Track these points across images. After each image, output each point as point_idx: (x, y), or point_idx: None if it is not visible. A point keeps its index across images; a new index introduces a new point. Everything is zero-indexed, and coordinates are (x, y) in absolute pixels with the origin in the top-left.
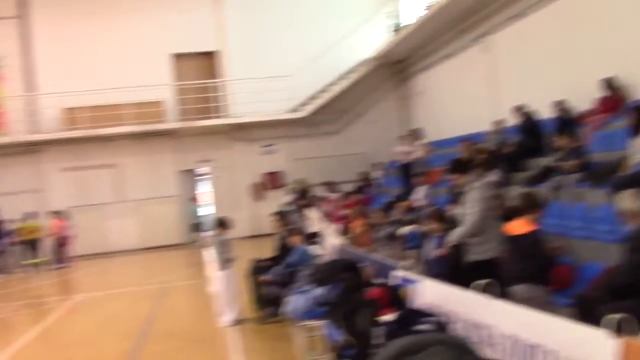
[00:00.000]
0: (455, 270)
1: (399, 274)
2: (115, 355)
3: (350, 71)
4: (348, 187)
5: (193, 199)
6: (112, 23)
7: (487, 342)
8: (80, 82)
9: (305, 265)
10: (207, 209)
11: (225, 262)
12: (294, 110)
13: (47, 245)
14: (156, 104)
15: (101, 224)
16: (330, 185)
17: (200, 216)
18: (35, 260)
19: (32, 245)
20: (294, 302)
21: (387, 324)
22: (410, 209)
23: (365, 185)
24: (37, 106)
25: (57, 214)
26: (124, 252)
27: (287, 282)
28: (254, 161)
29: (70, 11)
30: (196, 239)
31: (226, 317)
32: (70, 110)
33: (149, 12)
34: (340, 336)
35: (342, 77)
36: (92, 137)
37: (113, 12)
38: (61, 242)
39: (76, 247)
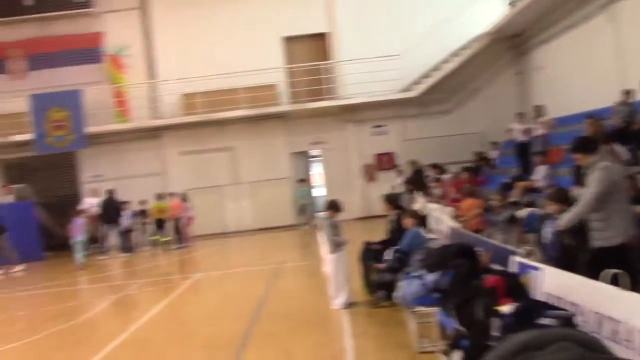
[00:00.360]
0: (574, 257)
1: (518, 261)
2: (232, 334)
3: (464, 48)
4: (459, 169)
5: (301, 181)
6: (226, 9)
7: (616, 338)
8: (198, 69)
9: (417, 249)
10: (318, 191)
11: (336, 245)
12: (405, 89)
13: (170, 226)
14: (269, 87)
15: (218, 205)
16: (438, 168)
17: (307, 198)
18: (160, 239)
19: (159, 225)
20: (406, 287)
21: (505, 315)
22: (530, 190)
23: (480, 165)
24: (158, 93)
25: (176, 195)
26: (240, 232)
27: (399, 266)
28: (365, 142)
29: (186, 2)
30: (304, 221)
31: (338, 300)
32: (188, 95)
33: None
34: (453, 325)
35: (454, 54)
36: (208, 121)
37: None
38: (181, 223)
39: (195, 228)
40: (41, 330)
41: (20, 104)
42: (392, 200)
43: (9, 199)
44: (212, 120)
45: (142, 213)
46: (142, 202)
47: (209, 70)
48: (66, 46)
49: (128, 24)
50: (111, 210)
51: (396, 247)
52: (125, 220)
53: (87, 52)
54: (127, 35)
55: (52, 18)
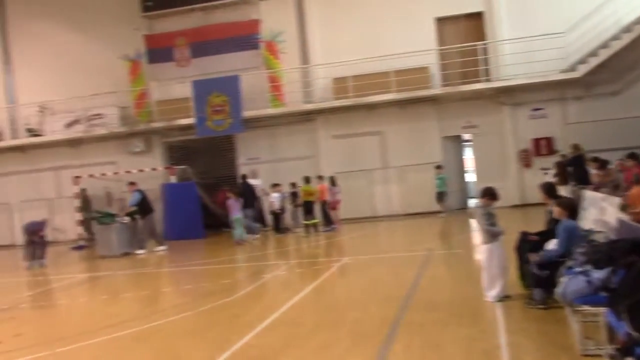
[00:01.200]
0: None
1: None
2: (379, 320)
3: (635, 23)
4: (624, 155)
5: (438, 167)
6: None
7: None
8: (349, 52)
9: (578, 242)
10: (469, 177)
11: (492, 235)
12: (568, 70)
13: (317, 209)
14: (420, 70)
15: (367, 189)
16: (599, 162)
17: (444, 186)
18: (309, 222)
19: (307, 207)
20: (568, 283)
21: None
22: None
23: None
24: (310, 77)
25: (324, 178)
26: (388, 217)
27: (559, 260)
28: (522, 126)
29: None
30: (442, 209)
31: (490, 293)
32: (340, 79)
33: None
34: (625, 329)
35: (626, 30)
36: (359, 105)
37: None
38: (328, 206)
39: (343, 211)
40: (197, 306)
41: (183, 90)
42: (550, 189)
43: (173, 179)
44: (363, 104)
45: (293, 195)
46: (293, 185)
47: (360, 54)
48: (226, 34)
49: (283, 11)
50: (247, 194)
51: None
52: (277, 202)
53: (245, 39)
54: (282, 22)
55: (213, 7)
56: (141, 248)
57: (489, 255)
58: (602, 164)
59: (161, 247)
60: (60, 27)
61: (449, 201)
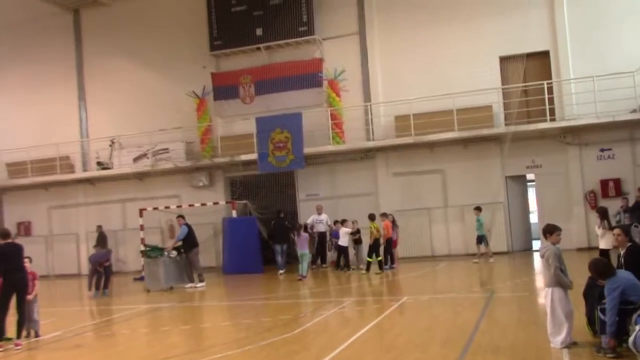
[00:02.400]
0: None
1: None
2: None
3: None
4: None
5: (477, 209)
6: (442, 31)
7: None
8: (411, 91)
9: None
10: (532, 217)
11: (559, 283)
12: (637, 110)
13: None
14: (484, 108)
15: (426, 227)
16: None
17: (482, 229)
18: (373, 259)
19: (374, 245)
20: None
21: None
22: None
23: None
24: (372, 115)
25: (384, 216)
26: (447, 256)
27: (629, 308)
28: (589, 167)
29: (403, 23)
30: (478, 252)
31: (556, 339)
32: (401, 117)
33: (478, 17)
34: None
35: None
36: (420, 143)
37: (443, 20)
38: (393, 244)
39: (402, 249)
40: (256, 341)
41: (247, 126)
42: (624, 231)
43: (234, 213)
44: (424, 142)
45: (355, 232)
46: (354, 222)
47: (422, 92)
48: (289, 72)
49: (346, 49)
50: (278, 230)
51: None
52: (341, 238)
53: (308, 77)
54: (345, 60)
55: (278, 46)
56: (191, 281)
57: (554, 299)
58: None
59: (201, 284)
60: (131, 64)
61: (483, 245)
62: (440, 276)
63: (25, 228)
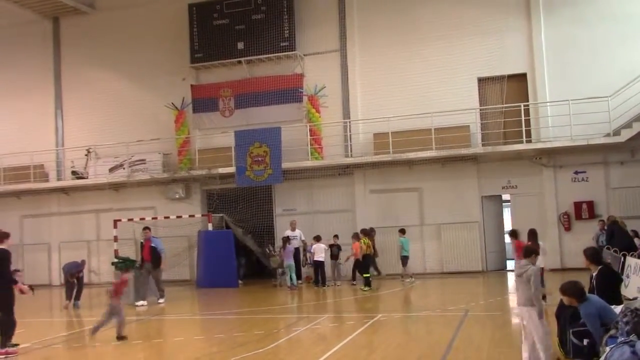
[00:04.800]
0: None
1: None
2: None
3: None
4: None
5: (401, 232)
6: (422, 51)
7: None
8: (390, 109)
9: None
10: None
11: (536, 298)
12: (611, 134)
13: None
14: (462, 128)
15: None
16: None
17: (405, 250)
18: (367, 275)
19: (366, 261)
20: (612, 354)
21: None
22: None
23: None
24: (351, 132)
25: (362, 233)
26: (422, 274)
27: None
28: (563, 189)
29: (384, 41)
30: (404, 273)
31: (529, 358)
32: (380, 135)
33: (457, 38)
34: None
35: None
36: (398, 161)
37: (423, 40)
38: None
39: (379, 266)
40: (228, 356)
41: (225, 140)
42: (594, 254)
43: (209, 227)
44: (402, 160)
45: (332, 248)
46: (335, 237)
47: (401, 111)
48: (269, 87)
49: (326, 66)
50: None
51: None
52: (317, 254)
53: (288, 92)
54: (325, 76)
55: (259, 61)
56: (162, 297)
57: (529, 319)
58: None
59: (161, 300)
60: (109, 74)
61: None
62: (415, 294)
63: None
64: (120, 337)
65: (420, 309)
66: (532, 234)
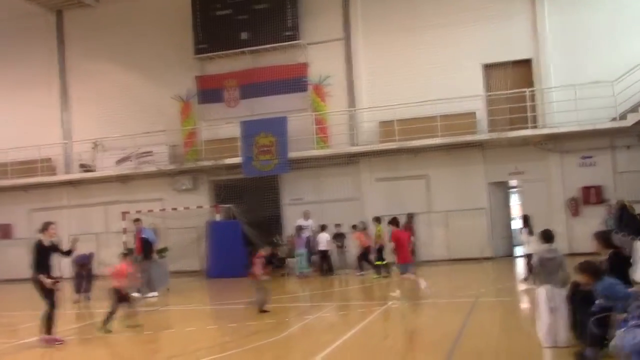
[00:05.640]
0: None
1: None
2: None
3: None
4: None
5: (376, 220)
6: (426, 39)
7: None
8: (396, 97)
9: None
10: (516, 224)
11: (562, 279)
12: (617, 118)
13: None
14: (467, 115)
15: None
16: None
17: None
18: (380, 263)
19: (379, 249)
20: (624, 337)
21: None
22: None
23: None
24: (356, 120)
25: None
26: (430, 262)
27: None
28: (570, 174)
29: (388, 29)
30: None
31: (544, 341)
32: (385, 123)
33: (462, 24)
34: None
35: None
36: (404, 149)
37: (428, 27)
38: (363, 251)
39: (386, 255)
40: (244, 344)
41: (231, 130)
42: (605, 238)
43: (218, 217)
44: (408, 147)
45: (338, 236)
46: (338, 226)
47: (407, 98)
48: (274, 76)
49: (331, 54)
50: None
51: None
52: (323, 243)
53: (293, 81)
54: (330, 65)
55: (263, 50)
56: (153, 290)
57: (544, 301)
58: None
59: (153, 293)
60: (115, 67)
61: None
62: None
63: (5, 230)
64: (133, 326)
65: (430, 295)
66: (526, 220)
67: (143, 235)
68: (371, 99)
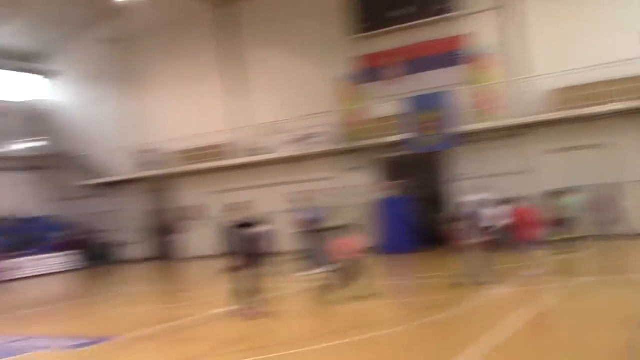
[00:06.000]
0: None
1: None
2: (609, 347)
3: None
4: None
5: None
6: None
7: None
8: (561, 63)
9: None
10: None
11: None
12: None
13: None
14: None
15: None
16: None
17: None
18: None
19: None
20: None
21: None
22: None
23: None
24: (521, 90)
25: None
26: (628, 236)
27: None
28: None
29: None
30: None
31: None
32: (553, 92)
33: None
34: None
35: None
36: (574, 117)
37: None
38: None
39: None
40: (417, 319)
41: (393, 107)
42: None
43: (391, 194)
44: (579, 116)
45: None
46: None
47: (573, 64)
48: (433, 51)
49: (487, 24)
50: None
51: None
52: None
53: (449, 55)
54: (487, 35)
55: (420, 25)
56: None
57: None
58: None
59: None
60: (275, 52)
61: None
62: (619, 256)
63: (197, 211)
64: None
65: (621, 272)
66: None
67: (311, 215)
68: (535, 66)
